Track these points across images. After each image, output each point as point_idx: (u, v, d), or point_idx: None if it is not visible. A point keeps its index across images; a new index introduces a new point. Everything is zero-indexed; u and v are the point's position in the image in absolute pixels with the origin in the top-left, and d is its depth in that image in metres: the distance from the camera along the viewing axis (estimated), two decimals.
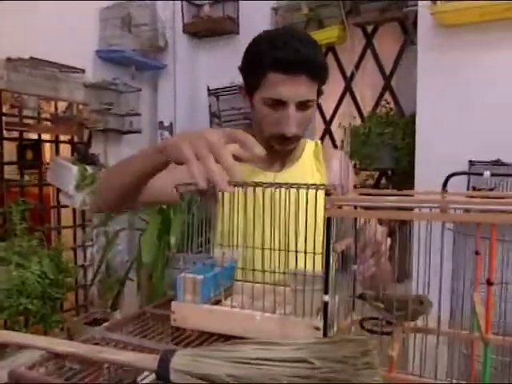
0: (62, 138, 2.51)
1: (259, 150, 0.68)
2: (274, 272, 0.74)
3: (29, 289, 1.82)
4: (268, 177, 1.15)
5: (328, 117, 2.93)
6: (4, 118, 2.14)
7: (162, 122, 2.97)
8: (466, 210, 0.56)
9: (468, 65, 2.15)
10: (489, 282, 0.55)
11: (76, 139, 2.53)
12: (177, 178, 0.77)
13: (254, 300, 0.76)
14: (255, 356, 0.50)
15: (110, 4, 2.68)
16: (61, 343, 0.62)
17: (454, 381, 0.61)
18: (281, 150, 1.15)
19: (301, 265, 0.71)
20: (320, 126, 2.95)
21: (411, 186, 2.26)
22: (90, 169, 2.31)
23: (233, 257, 0.81)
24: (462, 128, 2.15)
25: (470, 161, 2.08)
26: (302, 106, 1.08)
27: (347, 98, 2.87)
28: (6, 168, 2.23)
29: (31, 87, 2.16)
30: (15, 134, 2.27)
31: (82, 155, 2.45)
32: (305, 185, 0.69)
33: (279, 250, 0.74)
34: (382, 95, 2.74)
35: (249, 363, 0.49)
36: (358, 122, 2.74)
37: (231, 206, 0.76)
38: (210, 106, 2.91)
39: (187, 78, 2.98)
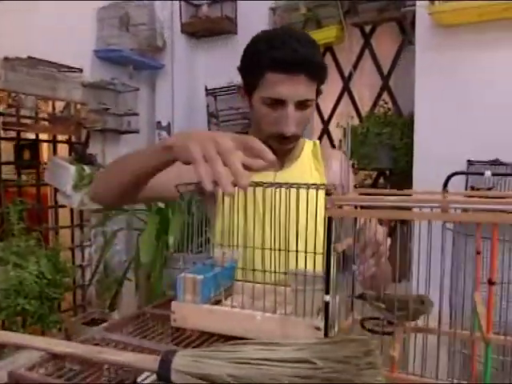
0: (60, 137, 2.51)
1: (271, 156, 0.67)
2: (275, 272, 0.74)
3: (26, 289, 1.81)
4: (268, 176, 1.15)
5: (326, 117, 2.93)
6: (1, 118, 2.12)
7: (159, 122, 2.97)
8: (465, 210, 0.56)
9: (466, 65, 2.15)
10: (490, 282, 0.55)
11: (74, 139, 2.52)
12: (182, 176, 0.77)
13: (254, 300, 0.76)
14: (256, 356, 0.50)
15: (108, 4, 2.68)
16: (61, 344, 0.61)
17: (455, 381, 0.61)
18: (280, 149, 1.15)
19: (301, 265, 0.71)
20: (318, 126, 2.95)
21: (409, 185, 2.26)
22: (87, 169, 2.30)
23: (233, 257, 0.81)
24: (461, 128, 2.15)
25: (469, 160, 2.09)
26: (301, 105, 1.08)
27: (345, 98, 2.87)
28: (4, 168, 2.22)
29: (29, 87, 2.15)
30: (13, 134, 2.26)
31: (80, 155, 2.44)
32: (305, 184, 0.69)
33: (279, 250, 0.74)
34: (379, 95, 2.74)
35: (250, 363, 0.49)
36: (356, 121, 2.74)
37: (231, 206, 0.75)
38: (207, 106, 2.91)
39: (185, 77, 2.98)
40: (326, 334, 0.62)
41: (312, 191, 0.68)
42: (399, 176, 2.50)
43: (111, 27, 2.65)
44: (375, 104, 2.74)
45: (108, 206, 1.10)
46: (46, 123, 2.33)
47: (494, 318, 0.57)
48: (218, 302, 0.77)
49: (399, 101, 2.68)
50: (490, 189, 1.96)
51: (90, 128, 2.54)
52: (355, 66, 2.79)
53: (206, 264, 0.79)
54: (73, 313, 2.53)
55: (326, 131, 2.95)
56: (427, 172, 2.15)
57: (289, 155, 1.21)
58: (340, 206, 0.61)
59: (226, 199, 0.75)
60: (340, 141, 2.78)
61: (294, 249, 0.72)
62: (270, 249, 0.75)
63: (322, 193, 0.65)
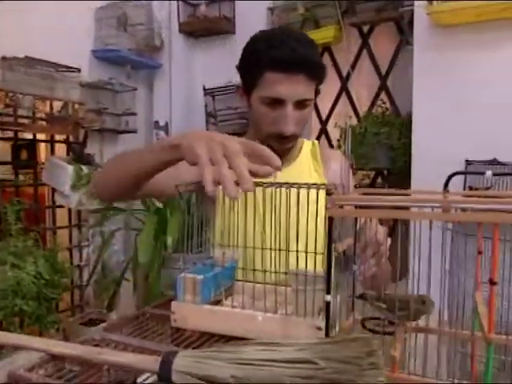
0: (58, 137, 2.50)
1: (279, 163, 0.67)
2: (276, 272, 0.74)
3: (24, 289, 1.81)
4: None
5: (324, 117, 2.93)
6: None
7: (157, 122, 2.96)
8: (463, 210, 0.56)
9: (464, 65, 2.16)
10: (492, 282, 0.55)
11: (71, 139, 2.51)
12: (185, 174, 0.77)
13: (255, 300, 0.75)
14: (258, 357, 0.49)
15: (106, 4, 2.67)
16: (60, 345, 0.61)
17: (456, 381, 0.61)
18: (279, 149, 1.15)
19: (301, 264, 0.71)
20: (316, 126, 2.95)
21: (407, 185, 2.27)
22: (85, 169, 2.29)
23: (233, 257, 0.80)
24: (459, 128, 2.16)
25: (467, 160, 2.09)
26: (300, 104, 1.08)
27: (343, 98, 2.87)
28: (1, 168, 2.22)
29: (26, 86, 2.14)
30: (10, 134, 2.25)
31: (78, 155, 2.43)
32: (306, 184, 0.69)
33: (279, 250, 0.74)
34: (377, 95, 2.74)
35: (252, 364, 0.49)
36: (354, 121, 2.74)
37: (231, 206, 0.75)
38: (205, 106, 2.91)
39: (183, 77, 2.97)
40: (327, 334, 0.62)
41: (312, 191, 0.68)
42: (397, 176, 2.50)
43: (109, 27, 2.64)
44: (373, 104, 2.74)
45: (109, 200, 1.09)
46: (44, 123, 2.31)
47: (495, 318, 0.57)
48: (218, 302, 0.77)
49: (397, 101, 2.68)
50: (487, 188, 1.96)
51: (88, 128, 2.53)
52: (353, 66, 2.79)
53: (206, 264, 0.78)
54: (71, 313, 2.52)
55: (323, 131, 2.95)
56: (425, 172, 2.16)
57: (287, 155, 1.21)
58: (341, 206, 0.61)
59: (226, 199, 0.75)
60: (338, 140, 2.78)
61: (294, 249, 0.72)
62: (270, 249, 0.75)
63: (322, 193, 0.65)
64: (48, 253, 2.00)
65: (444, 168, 1.81)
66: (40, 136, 2.43)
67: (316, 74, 1.09)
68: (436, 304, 0.68)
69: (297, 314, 0.69)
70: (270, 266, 0.74)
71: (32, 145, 2.47)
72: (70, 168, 2.24)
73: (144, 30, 2.68)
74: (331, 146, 2.90)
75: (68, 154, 2.48)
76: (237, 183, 0.62)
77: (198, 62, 3.04)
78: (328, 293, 0.60)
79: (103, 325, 0.81)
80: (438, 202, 0.56)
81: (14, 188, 2.30)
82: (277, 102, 1.07)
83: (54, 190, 2.38)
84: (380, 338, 0.63)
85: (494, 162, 2.00)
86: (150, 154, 0.85)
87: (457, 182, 1.98)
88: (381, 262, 0.85)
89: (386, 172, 2.68)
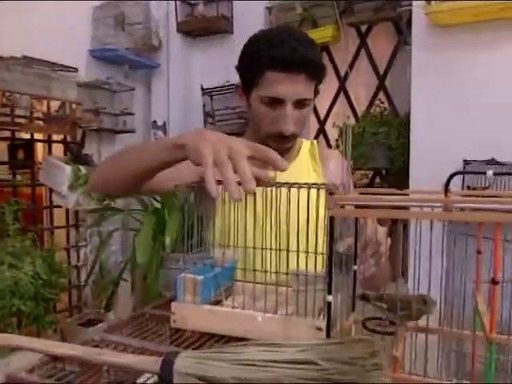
0: (55, 137, 2.49)
1: (285, 166, 0.67)
2: (276, 272, 0.73)
3: (22, 290, 1.80)
4: None
5: (322, 116, 2.93)
6: None
7: (155, 122, 2.96)
8: (462, 209, 0.56)
9: (462, 65, 2.16)
10: (493, 282, 0.54)
11: (69, 139, 2.51)
12: (186, 174, 0.76)
13: (255, 300, 0.75)
14: (260, 358, 0.49)
15: (103, 3, 2.66)
16: (60, 346, 0.61)
17: (457, 381, 0.61)
18: (278, 148, 1.14)
19: (301, 265, 0.70)
20: (314, 126, 2.95)
21: (406, 185, 2.27)
22: (83, 169, 2.28)
23: (233, 257, 0.80)
24: (457, 127, 2.16)
25: (465, 160, 2.09)
26: (300, 104, 1.08)
27: (341, 98, 2.87)
28: None
29: (23, 86, 2.13)
30: (7, 134, 2.24)
31: (75, 155, 2.43)
32: (306, 184, 0.68)
33: (279, 250, 0.74)
34: (376, 95, 2.74)
35: (254, 365, 0.48)
36: (352, 121, 2.74)
37: (231, 206, 0.75)
38: (203, 106, 2.90)
39: (181, 77, 2.97)
40: (328, 335, 0.62)
41: (312, 191, 0.68)
42: (395, 175, 2.50)
43: (106, 26, 2.63)
44: (371, 104, 2.74)
45: (109, 196, 1.09)
46: (41, 123, 2.31)
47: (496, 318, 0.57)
48: (218, 303, 0.76)
49: (395, 100, 2.68)
50: (485, 188, 1.96)
51: (86, 128, 2.53)
52: (351, 66, 2.79)
53: (206, 264, 0.78)
54: (68, 313, 2.52)
55: (322, 131, 2.95)
56: (423, 171, 2.16)
57: (286, 155, 1.20)
58: (342, 206, 0.61)
59: (226, 199, 0.75)
60: (336, 140, 2.78)
61: (294, 249, 0.71)
62: (270, 249, 0.74)
63: (322, 193, 0.64)
64: (46, 253, 2.00)
65: (442, 168, 1.80)
66: (37, 136, 2.42)
67: (316, 74, 1.09)
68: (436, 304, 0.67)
69: (297, 315, 0.68)
70: (270, 266, 0.74)
71: (29, 145, 2.46)
72: (68, 168, 2.23)
73: (142, 30, 2.68)
74: (329, 145, 2.90)
75: (65, 154, 2.47)
76: (239, 183, 0.62)
77: (195, 62, 3.03)
78: (329, 293, 0.60)
79: (101, 325, 0.80)
80: (440, 202, 0.56)
81: (12, 188, 2.29)
82: (276, 102, 1.07)
83: (51, 190, 2.37)
84: (381, 338, 0.63)
85: (492, 162, 2.01)
86: (154, 152, 0.84)
87: (455, 181, 1.98)
88: (380, 262, 0.85)
89: (384, 172, 2.68)
